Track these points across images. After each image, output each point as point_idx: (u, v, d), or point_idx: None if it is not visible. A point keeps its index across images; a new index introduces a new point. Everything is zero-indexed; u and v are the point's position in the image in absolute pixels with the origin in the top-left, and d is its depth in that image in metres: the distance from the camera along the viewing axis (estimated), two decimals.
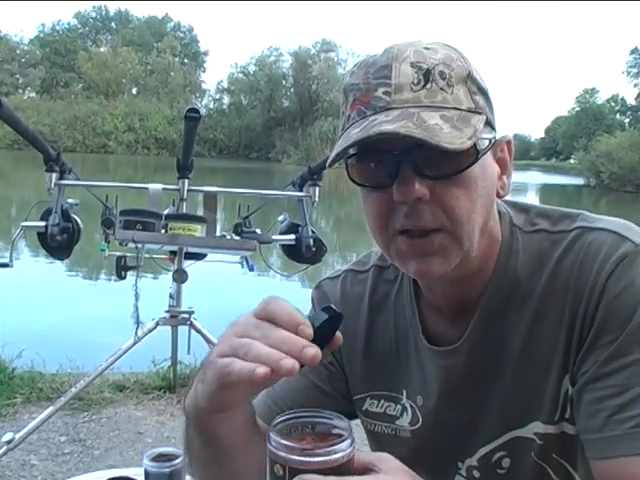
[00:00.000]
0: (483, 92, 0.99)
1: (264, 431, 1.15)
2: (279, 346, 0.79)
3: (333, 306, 0.87)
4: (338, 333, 0.86)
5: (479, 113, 0.96)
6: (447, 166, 0.93)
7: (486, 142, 0.98)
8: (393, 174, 0.95)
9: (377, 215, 1.01)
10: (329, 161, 1.01)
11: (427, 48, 0.96)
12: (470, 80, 0.97)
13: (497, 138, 1.02)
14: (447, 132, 0.89)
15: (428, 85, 0.93)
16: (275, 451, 0.75)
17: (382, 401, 1.20)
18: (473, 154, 0.94)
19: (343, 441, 0.75)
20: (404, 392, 1.17)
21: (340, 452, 0.74)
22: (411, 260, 1.00)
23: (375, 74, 0.95)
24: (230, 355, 0.82)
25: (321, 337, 0.82)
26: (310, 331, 0.80)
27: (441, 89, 0.94)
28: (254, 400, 1.26)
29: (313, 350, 0.78)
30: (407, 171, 0.94)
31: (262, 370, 0.77)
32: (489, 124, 0.99)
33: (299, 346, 0.78)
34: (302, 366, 0.78)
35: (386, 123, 0.91)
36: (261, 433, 1.12)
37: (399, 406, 1.18)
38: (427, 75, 0.93)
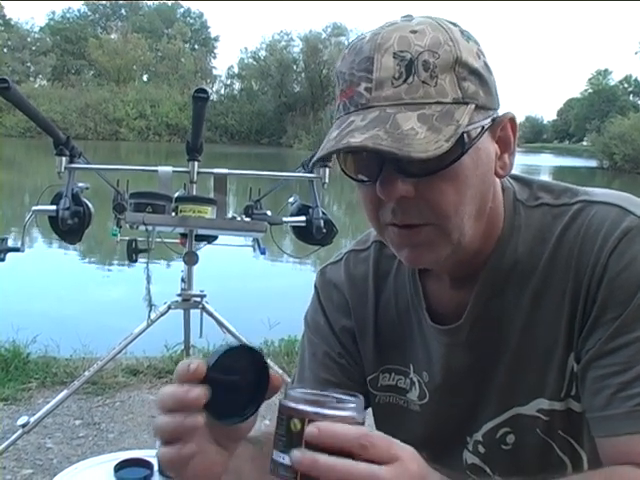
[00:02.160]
0: (476, 74, 0.95)
1: None
2: (171, 407, 0.83)
3: (248, 345, 0.89)
4: (273, 376, 0.88)
5: (466, 103, 0.92)
6: (431, 162, 0.89)
7: (478, 129, 0.95)
8: (376, 172, 0.95)
9: (368, 207, 1.01)
10: (312, 162, 1.02)
11: (414, 31, 0.93)
12: (459, 65, 0.93)
13: (497, 117, 0.99)
14: (422, 137, 0.87)
15: (410, 79, 0.90)
16: (294, 405, 0.76)
17: (393, 374, 1.20)
18: (459, 147, 0.92)
19: (360, 401, 0.78)
20: (411, 366, 1.18)
21: (357, 411, 0.77)
22: (402, 249, 1.01)
23: (359, 65, 0.94)
24: (159, 439, 0.86)
25: (236, 376, 0.85)
26: (194, 366, 0.82)
27: (423, 82, 0.90)
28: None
29: (194, 392, 0.81)
30: (389, 170, 0.93)
31: (187, 450, 0.83)
32: (483, 107, 0.95)
33: (180, 396, 0.82)
34: (222, 416, 0.84)
35: (358, 132, 0.90)
36: None
37: (408, 380, 1.18)
38: (409, 67, 0.90)
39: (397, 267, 1.19)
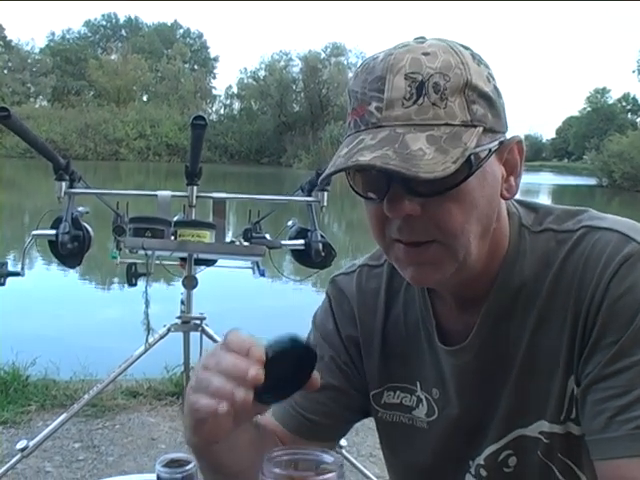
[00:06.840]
0: (485, 97, 0.97)
1: (282, 437, 1.17)
2: (229, 372, 0.88)
3: (310, 344, 0.93)
4: (315, 374, 0.93)
5: (474, 126, 0.95)
6: (438, 182, 0.91)
7: (485, 152, 0.97)
8: (384, 190, 0.96)
9: (374, 223, 1.03)
10: (321, 177, 1.04)
11: (426, 53, 0.95)
12: (469, 88, 0.95)
13: (505, 140, 1.02)
14: (429, 158, 0.89)
15: (420, 100, 0.93)
16: None
17: (398, 392, 1.21)
18: (466, 169, 0.94)
19: (335, 472, 0.79)
20: (418, 384, 1.19)
21: (337, 477, 0.78)
22: (407, 267, 1.03)
23: (371, 85, 0.96)
24: (197, 389, 0.91)
25: (286, 366, 0.89)
26: (259, 351, 0.88)
27: (433, 104, 0.93)
28: (273, 408, 1.27)
29: (254, 370, 0.86)
30: (397, 188, 0.95)
31: (223, 406, 0.87)
32: (491, 130, 0.98)
33: (243, 369, 0.86)
34: (260, 394, 0.86)
35: (367, 150, 0.92)
36: (274, 443, 1.15)
37: (414, 397, 1.19)
38: (420, 88, 0.93)
39: (407, 284, 1.20)
